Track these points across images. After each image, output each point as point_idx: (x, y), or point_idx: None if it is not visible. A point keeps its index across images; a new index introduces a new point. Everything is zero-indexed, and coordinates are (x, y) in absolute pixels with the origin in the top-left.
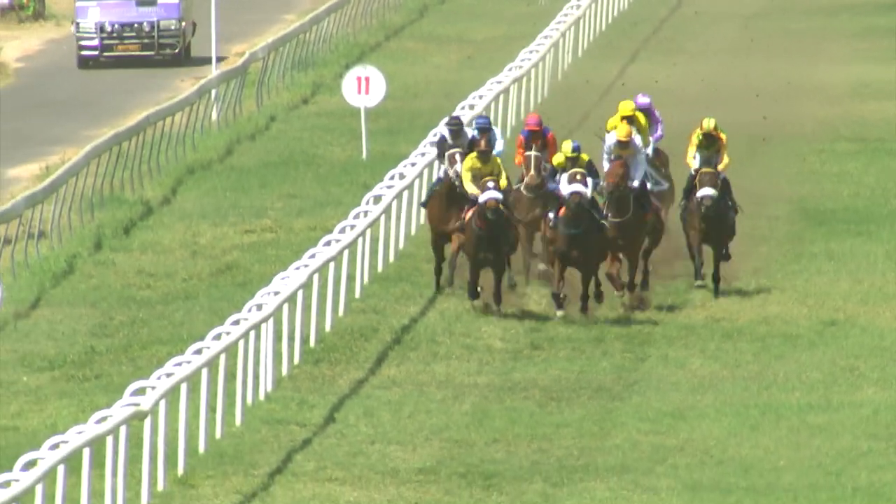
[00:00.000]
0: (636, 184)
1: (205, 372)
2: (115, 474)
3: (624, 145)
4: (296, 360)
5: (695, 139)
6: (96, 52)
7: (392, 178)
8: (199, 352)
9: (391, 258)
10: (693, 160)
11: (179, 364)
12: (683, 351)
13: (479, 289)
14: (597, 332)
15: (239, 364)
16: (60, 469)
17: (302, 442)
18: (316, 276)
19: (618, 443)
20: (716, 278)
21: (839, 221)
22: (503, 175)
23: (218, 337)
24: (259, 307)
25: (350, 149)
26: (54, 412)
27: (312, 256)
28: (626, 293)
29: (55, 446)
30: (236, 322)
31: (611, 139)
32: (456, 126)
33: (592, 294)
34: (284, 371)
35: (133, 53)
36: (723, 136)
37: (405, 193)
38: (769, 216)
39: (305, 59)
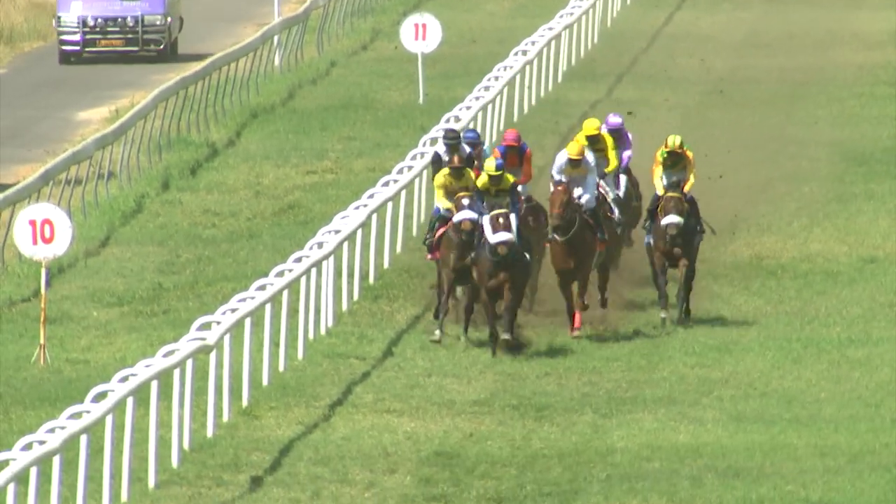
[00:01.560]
0: (584, 200)
1: (268, 307)
2: (181, 406)
3: (575, 164)
4: (355, 296)
5: (659, 157)
6: (78, 48)
7: (448, 120)
8: (262, 288)
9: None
10: (660, 181)
11: (244, 300)
12: (728, 288)
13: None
14: (645, 266)
15: (301, 300)
16: (129, 401)
17: (361, 375)
18: (375, 216)
19: (665, 375)
20: (682, 298)
21: (878, 162)
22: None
23: (281, 274)
24: (320, 245)
25: (407, 93)
26: (123, 346)
27: (371, 196)
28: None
29: (124, 379)
30: (298, 259)
31: (562, 157)
32: (454, 140)
33: (597, 301)
34: (344, 307)
35: (116, 49)
36: (689, 153)
37: None
38: (811, 158)
39: (364, 7)
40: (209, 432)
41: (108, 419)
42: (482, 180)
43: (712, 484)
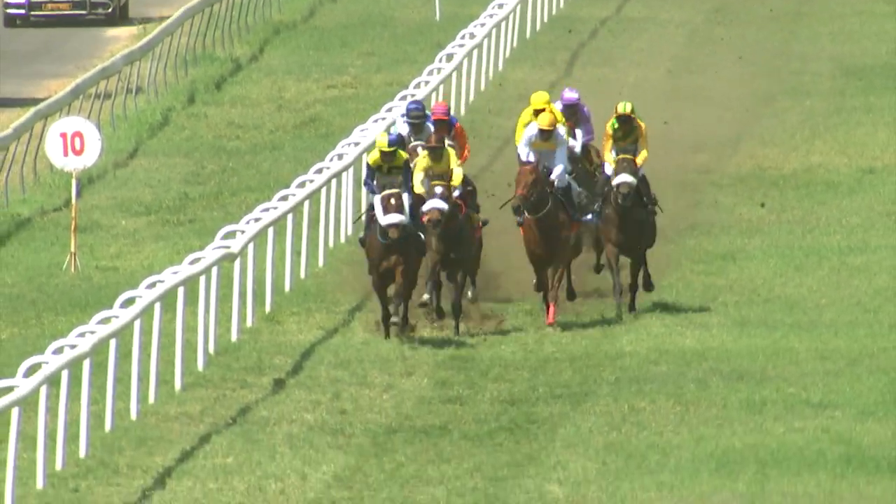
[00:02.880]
0: (555, 176)
1: (290, 217)
2: (207, 311)
3: (546, 135)
4: None
5: (609, 129)
6: (24, 11)
7: (463, 37)
8: (284, 198)
9: (461, 111)
10: (610, 156)
11: (267, 210)
12: (733, 198)
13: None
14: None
15: (321, 210)
16: (157, 306)
17: None
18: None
19: (672, 282)
20: (633, 287)
21: (877, 77)
22: (458, 173)
23: (302, 184)
24: (340, 157)
25: (424, 10)
26: (151, 254)
27: (390, 110)
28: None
29: (152, 285)
30: (319, 171)
31: (531, 130)
32: (419, 119)
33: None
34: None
35: (63, 13)
36: (642, 123)
37: (475, 52)
38: (813, 73)
39: None
40: (233, 337)
41: (136, 324)
42: (373, 156)
43: (717, 386)
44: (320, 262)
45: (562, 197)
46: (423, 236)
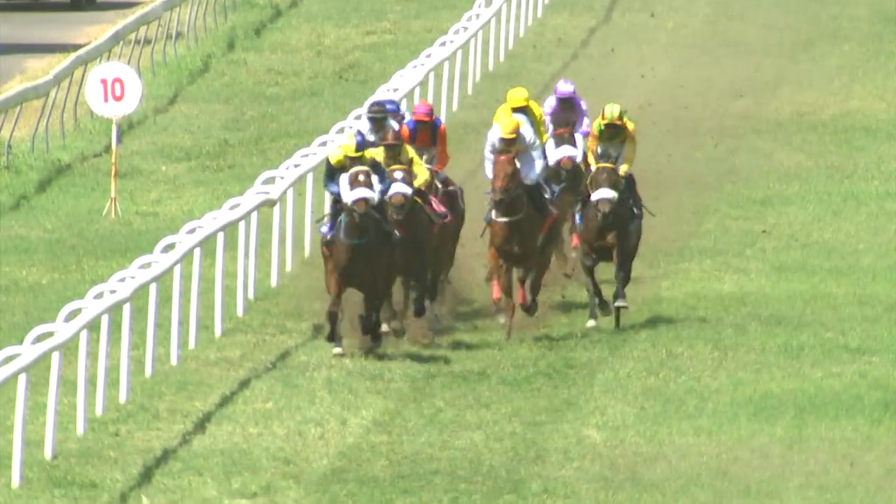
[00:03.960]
0: (531, 180)
1: None
2: (246, 257)
3: (509, 143)
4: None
5: (596, 129)
6: None
7: None
8: (323, 144)
9: (501, 58)
10: (594, 157)
11: (306, 155)
12: (771, 143)
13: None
14: (690, 124)
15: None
16: (196, 252)
17: None
18: (431, 75)
19: (710, 228)
20: (617, 294)
21: None
22: (423, 171)
23: (341, 131)
24: None
25: None
26: (191, 199)
27: (428, 56)
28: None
29: (192, 231)
30: (358, 117)
31: (494, 135)
32: (379, 115)
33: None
34: None
35: None
36: (630, 125)
37: None
38: (851, 17)
39: None
40: (273, 282)
41: (177, 269)
42: (337, 157)
43: (755, 331)
44: None
45: (533, 195)
46: (397, 234)
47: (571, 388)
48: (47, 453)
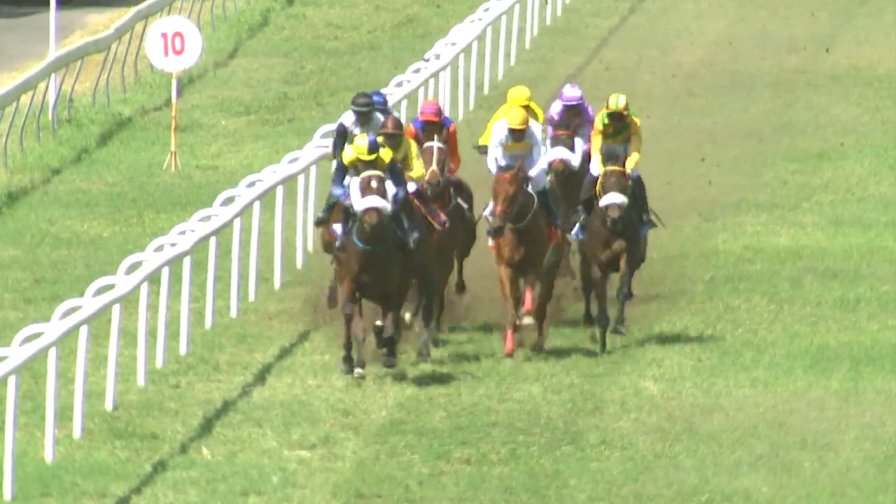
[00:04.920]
0: (532, 174)
1: None
2: (305, 210)
3: (518, 135)
4: (471, 106)
5: (599, 124)
6: None
7: None
8: None
9: (558, 12)
10: (599, 156)
11: None
12: (827, 98)
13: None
14: (747, 78)
15: (418, 109)
16: (256, 205)
17: None
18: (489, 29)
19: (767, 181)
20: (619, 319)
21: None
22: (416, 164)
23: (400, 84)
24: (437, 57)
25: None
26: (250, 153)
27: (486, 10)
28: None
29: (251, 184)
30: (416, 70)
31: (501, 129)
32: (365, 108)
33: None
34: (461, 116)
35: None
36: (636, 120)
37: None
38: None
39: None
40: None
41: (236, 223)
42: (350, 157)
43: (811, 284)
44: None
45: (541, 201)
46: (411, 242)
47: (630, 341)
48: (108, 405)
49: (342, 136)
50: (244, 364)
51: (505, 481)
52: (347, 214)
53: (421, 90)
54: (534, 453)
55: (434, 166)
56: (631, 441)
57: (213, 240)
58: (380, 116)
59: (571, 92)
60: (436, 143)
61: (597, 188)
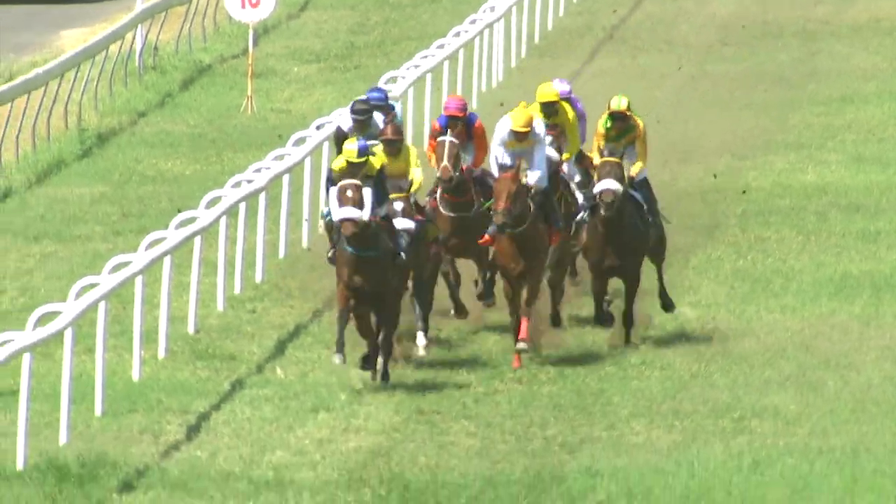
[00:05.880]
0: (533, 180)
1: (446, 64)
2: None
3: (521, 136)
4: (522, 54)
5: (601, 127)
6: None
7: None
8: (441, 47)
9: None
10: (599, 157)
11: (425, 57)
12: (849, 47)
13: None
14: (776, 28)
15: (475, 57)
16: (325, 145)
17: None
18: None
19: (794, 123)
20: (627, 320)
21: None
22: (417, 172)
23: (457, 34)
24: (492, 8)
25: None
26: (320, 97)
27: None
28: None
29: (320, 126)
30: (473, 21)
31: (503, 128)
32: (364, 116)
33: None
34: (513, 63)
35: None
36: (639, 122)
37: None
38: None
39: None
40: None
41: (307, 161)
42: (339, 164)
43: (836, 217)
44: (473, 105)
45: (542, 204)
46: (402, 254)
47: (668, 269)
48: (190, 328)
49: (340, 141)
50: (314, 291)
51: (554, 399)
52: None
53: (477, 39)
54: (580, 373)
55: (445, 161)
56: (669, 362)
57: (286, 177)
58: (378, 119)
59: (560, 86)
60: (448, 138)
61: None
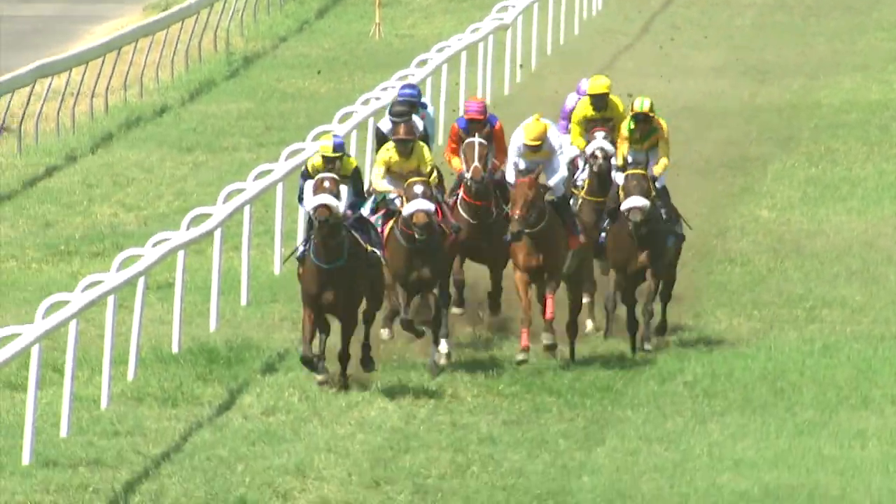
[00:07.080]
0: (552, 183)
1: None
2: (484, 72)
3: (534, 149)
4: (562, 40)
5: (625, 130)
6: None
7: None
8: None
9: None
10: (624, 162)
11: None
12: None
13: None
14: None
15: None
16: (444, 67)
17: (624, 47)
18: None
19: (860, 48)
20: (645, 336)
21: None
22: (432, 172)
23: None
24: None
25: None
26: (440, 24)
27: None
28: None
29: (440, 50)
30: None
31: (518, 139)
32: (402, 117)
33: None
34: (562, 41)
35: None
36: (662, 123)
37: None
38: None
39: None
40: (505, 91)
41: (429, 80)
42: (315, 161)
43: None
44: (575, 31)
45: (559, 209)
46: (378, 253)
47: (748, 177)
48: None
49: (381, 142)
50: None
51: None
52: (311, 225)
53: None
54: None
55: (476, 162)
56: (749, 259)
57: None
58: (417, 121)
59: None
60: (477, 139)
61: (618, 192)
